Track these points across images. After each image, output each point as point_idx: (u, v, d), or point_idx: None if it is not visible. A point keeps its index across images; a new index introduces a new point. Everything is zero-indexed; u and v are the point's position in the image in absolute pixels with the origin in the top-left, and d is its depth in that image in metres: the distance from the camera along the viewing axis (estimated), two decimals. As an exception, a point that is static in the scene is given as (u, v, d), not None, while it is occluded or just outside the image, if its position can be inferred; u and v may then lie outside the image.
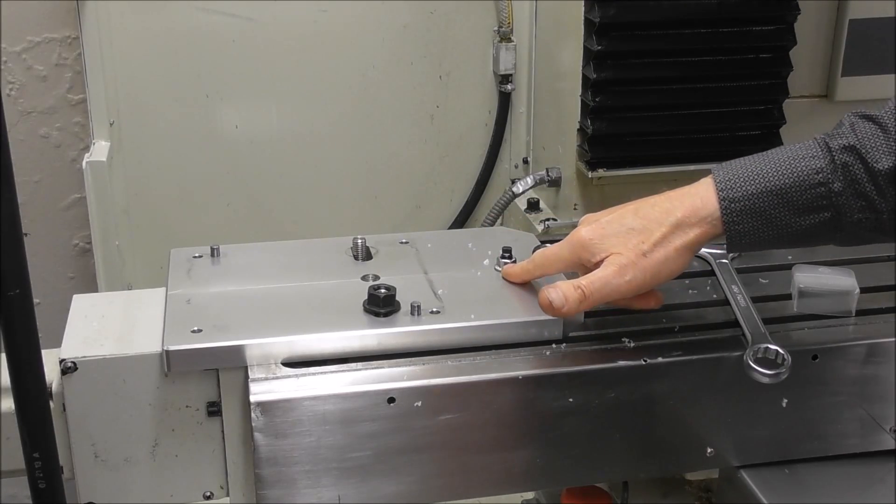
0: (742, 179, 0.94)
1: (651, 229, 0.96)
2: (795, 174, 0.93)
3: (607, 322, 1.04)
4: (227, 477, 1.00)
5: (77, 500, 0.98)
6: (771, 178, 0.93)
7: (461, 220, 1.92)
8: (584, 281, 0.96)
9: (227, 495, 1.01)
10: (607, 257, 0.97)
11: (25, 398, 0.84)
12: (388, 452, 0.95)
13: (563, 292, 0.96)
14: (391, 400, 0.93)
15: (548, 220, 1.72)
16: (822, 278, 1.05)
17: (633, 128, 1.61)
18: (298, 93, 1.79)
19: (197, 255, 1.12)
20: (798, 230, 0.94)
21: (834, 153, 0.93)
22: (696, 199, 0.96)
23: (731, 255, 1.14)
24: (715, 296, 1.09)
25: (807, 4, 1.59)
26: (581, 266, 1.00)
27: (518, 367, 0.96)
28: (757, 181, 0.94)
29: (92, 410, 0.96)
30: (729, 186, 0.94)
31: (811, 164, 0.93)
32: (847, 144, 0.93)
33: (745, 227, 0.94)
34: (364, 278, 1.07)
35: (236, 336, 0.96)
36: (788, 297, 1.06)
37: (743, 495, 1.02)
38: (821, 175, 0.93)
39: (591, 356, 0.98)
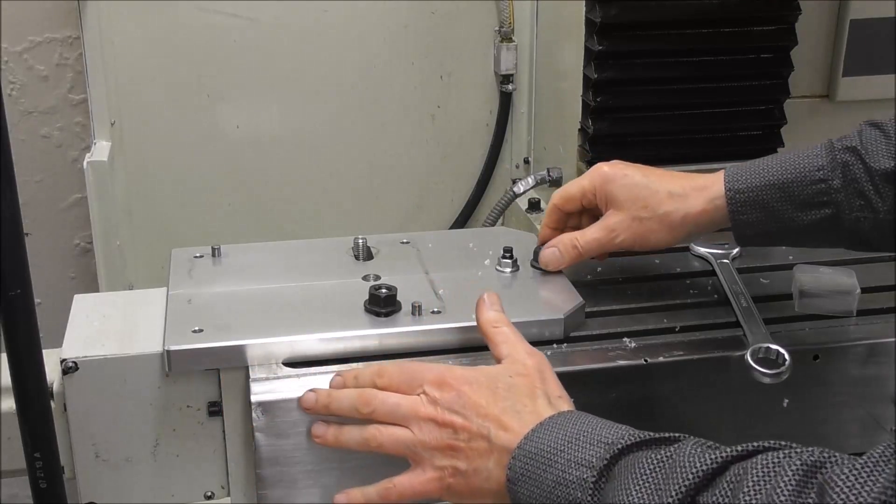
0: (748, 173, 0.99)
1: (655, 193, 1.03)
2: (798, 170, 0.97)
3: (608, 322, 1.04)
4: (228, 477, 1.00)
5: (78, 499, 0.99)
6: (774, 173, 0.98)
7: (462, 220, 1.92)
8: (581, 241, 1.06)
9: (228, 495, 1.01)
10: (607, 212, 1.05)
11: (26, 398, 0.85)
12: (389, 452, 0.95)
13: (559, 251, 1.07)
14: (392, 400, 0.93)
15: (549, 220, 1.72)
16: (823, 278, 1.05)
17: (634, 128, 1.60)
18: (299, 93, 1.79)
19: (198, 254, 1.12)
20: (800, 225, 0.97)
21: (836, 153, 0.97)
22: (705, 180, 1.02)
23: (731, 255, 1.14)
24: (716, 296, 1.09)
25: (808, 4, 1.59)
26: (590, 196, 1.08)
27: (519, 367, 0.96)
28: (761, 175, 0.98)
29: (93, 410, 0.96)
30: (735, 178, 0.99)
31: (813, 162, 0.97)
32: (849, 146, 0.97)
33: (749, 217, 0.98)
34: (365, 278, 1.07)
35: (237, 336, 0.96)
36: (789, 297, 1.06)
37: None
38: (821, 172, 0.97)
39: (592, 356, 0.98)
